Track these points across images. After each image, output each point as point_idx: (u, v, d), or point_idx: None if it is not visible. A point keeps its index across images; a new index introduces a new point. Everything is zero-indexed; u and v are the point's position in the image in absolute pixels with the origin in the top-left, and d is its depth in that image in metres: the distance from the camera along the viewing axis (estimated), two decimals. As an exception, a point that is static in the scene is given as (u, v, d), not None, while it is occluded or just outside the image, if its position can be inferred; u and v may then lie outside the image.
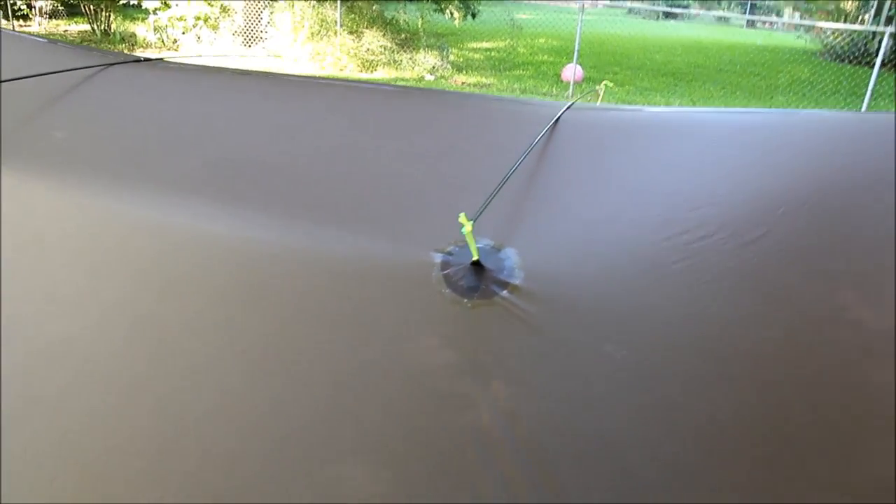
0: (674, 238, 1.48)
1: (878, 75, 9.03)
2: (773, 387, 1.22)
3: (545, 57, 15.74)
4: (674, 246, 1.46)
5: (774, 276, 1.41)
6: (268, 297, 1.50)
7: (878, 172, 1.55)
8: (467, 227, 1.27)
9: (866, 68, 9.42)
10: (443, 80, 12.99)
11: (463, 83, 12.84)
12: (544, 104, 2.21)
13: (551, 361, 1.31)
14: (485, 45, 17.00)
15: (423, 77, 12.81)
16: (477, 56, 15.93)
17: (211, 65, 3.17)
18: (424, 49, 13.60)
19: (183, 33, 14.38)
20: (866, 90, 9.26)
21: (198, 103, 2.39)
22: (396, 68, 13.16)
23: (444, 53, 14.10)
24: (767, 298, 1.38)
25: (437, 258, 1.45)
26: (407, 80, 12.33)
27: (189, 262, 1.59)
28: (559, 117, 1.84)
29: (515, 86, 12.98)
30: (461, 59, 15.23)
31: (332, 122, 2.07)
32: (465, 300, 1.39)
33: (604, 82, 2.87)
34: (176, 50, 14.36)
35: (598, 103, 2.29)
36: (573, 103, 2.00)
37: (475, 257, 1.38)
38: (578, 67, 12.42)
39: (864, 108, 9.25)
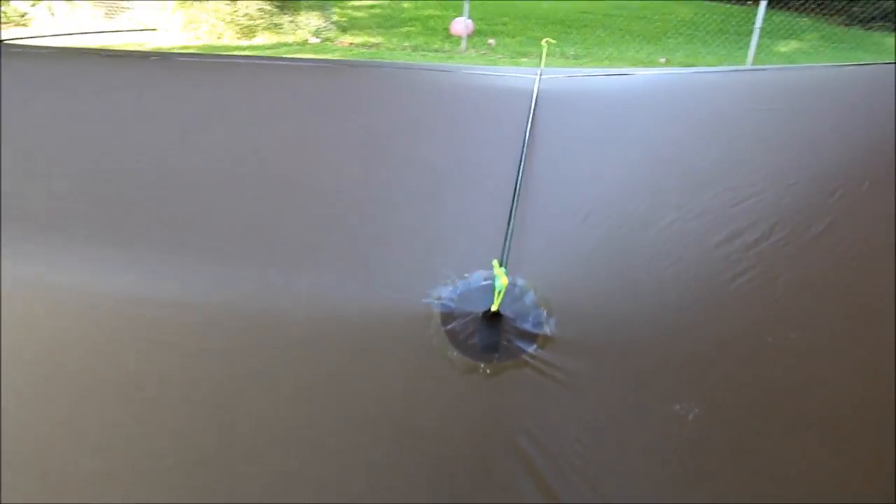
0: (725, 245, 1.15)
1: (766, 12, 9.15)
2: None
3: (432, 11, 15.23)
4: (728, 255, 1.13)
5: (861, 281, 1.11)
6: (176, 388, 1.06)
7: None
8: (503, 280, 0.88)
9: (752, 6, 9.52)
10: (329, 43, 12.27)
11: (351, 44, 12.17)
12: (497, 73, 1.82)
13: (614, 442, 0.96)
14: (367, 1, 16.27)
15: (306, 41, 12.05)
16: (361, 14, 15.23)
17: (70, 45, 2.53)
18: (306, 10, 12.78)
19: (32, 5, 12.74)
20: (753, 28, 9.38)
21: (55, 99, 1.83)
22: (277, 33, 12.31)
23: (328, 14, 13.32)
24: (862, 312, 1.08)
25: (434, 306, 1.05)
26: (290, 45, 11.53)
27: (57, 336, 1.11)
28: (536, 98, 1.46)
29: (406, 43, 12.45)
30: (345, 19, 14.50)
31: (246, 113, 1.60)
32: (482, 365, 1.01)
33: (545, 40, 2.50)
34: (26, 26, 12.76)
35: (564, 68, 1.93)
36: (541, 73, 1.62)
37: (495, 307, 1.00)
38: (469, 21, 12.02)
39: (752, 46, 9.39)
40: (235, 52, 9.99)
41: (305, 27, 12.41)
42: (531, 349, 1.02)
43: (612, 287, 1.10)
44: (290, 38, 12.08)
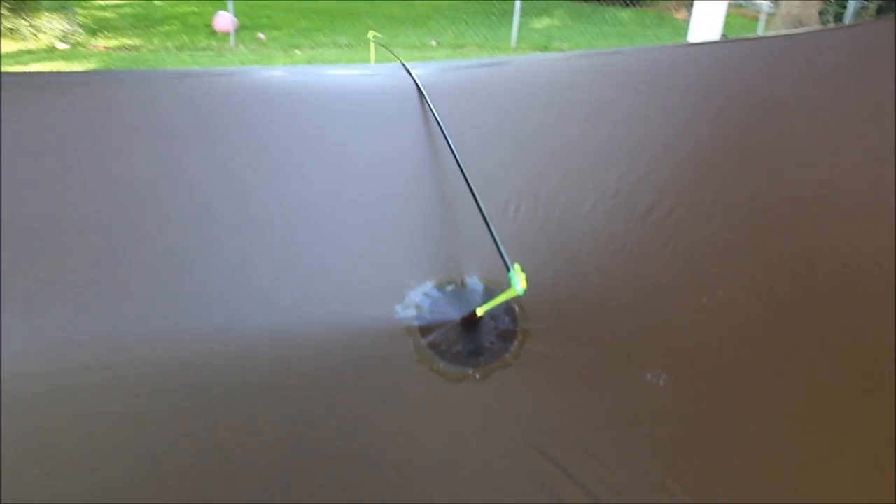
0: (645, 219, 1.24)
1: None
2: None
3: (188, 8, 14.31)
4: (650, 228, 1.23)
5: (759, 238, 1.27)
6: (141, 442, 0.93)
7: (788, 89, 1.49)
8: (522, 283, 0.86)
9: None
10: (81, 48, 11.06)
11: (106, 48, 11.08)
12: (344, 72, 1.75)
13: (607, 420, 1.01)
14: (115, 1, 14.86)
15: (54, 47, 10.75)
16: (109, 15, 13.87)
17: None
18: (46, 12, 11.37)
19: None
20: (513, 8, 10.09)
21: None
22: (17, 39, 10.85)
23: (70, 15, 11.97)
24: (767, 265, 1.23)
25: (409, 317, 1.02)
26: (36, 52, 10.23)
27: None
28: (426, 95, 1.46)
29: (169, 43, 11.60)
30: (91, 21, 13.13)
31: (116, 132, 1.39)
32: (471, 370, 1.00)
33: (371, 33, 2.46)
34: None
35: (428, 62, 1.91)
36: (408, 70, 1.61)
37: (480, 312, 0.99)
38: (232, 17, 11.47)
39: (515, 23, 10.07)
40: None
41: (49, 31, 11.07)
42: (512, 347, 1.03)
43: (564, 274, 1.14)
44: (33, 45, 10.72)
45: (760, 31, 9.62)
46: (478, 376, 1.00)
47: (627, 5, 12.11)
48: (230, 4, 11.39)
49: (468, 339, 1.02)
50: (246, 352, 0.99)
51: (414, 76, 1.54)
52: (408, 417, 0.95)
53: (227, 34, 11.58)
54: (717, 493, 0.97)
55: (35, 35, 10.87)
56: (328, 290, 1.07)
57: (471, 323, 1.02)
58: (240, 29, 12.12)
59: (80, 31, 11.93)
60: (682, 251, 1.20)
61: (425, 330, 1.02)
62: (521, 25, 10.72)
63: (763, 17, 9.82)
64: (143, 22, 13.37)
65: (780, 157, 1.38)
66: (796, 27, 7.51)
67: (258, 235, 1.14)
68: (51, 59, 10.29)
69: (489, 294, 1.06)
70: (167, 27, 13.24)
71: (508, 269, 0.88)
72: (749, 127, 1.43)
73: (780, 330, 1.13)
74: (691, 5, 7.92)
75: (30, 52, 10.22)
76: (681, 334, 1.12)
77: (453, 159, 1.24)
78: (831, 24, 8.09)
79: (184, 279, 1.06)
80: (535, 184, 1.28)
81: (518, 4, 10.16)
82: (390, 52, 2.13)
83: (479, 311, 0.99)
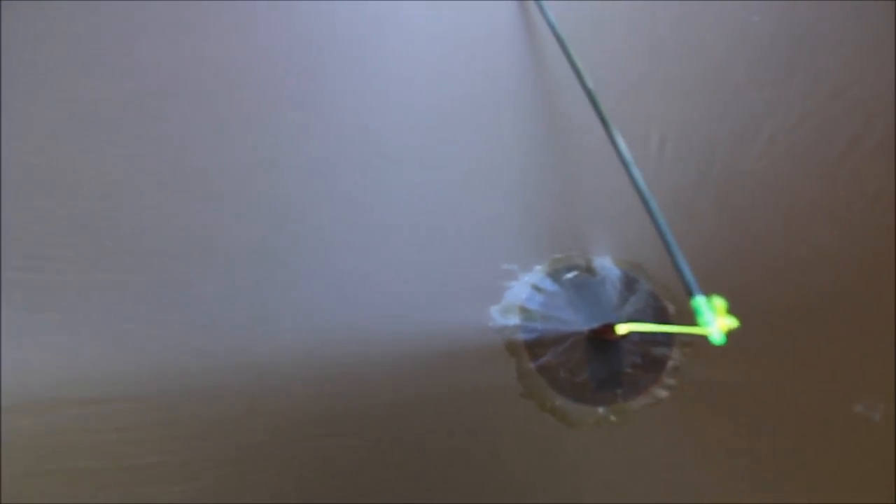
0: (850, 153, 0.84)
1: None
2: None
3: None
4: (859, 171, 0.83)
5: None
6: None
7: None
8: (721, 326, 0.49)
9: None
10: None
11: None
12: None
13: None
14: None
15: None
16: None
17: None
18: None
19: None
20: None
21: None
22: None
23: None
24: None
25: (511, 327, 0.68)
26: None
27: None
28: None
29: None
30: None
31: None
32: (603, 409, 0.66)
33: None
34: None
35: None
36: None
37: (623, 331, 0.63)
38: None
39: None
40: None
41: None
42: (666, 373, 0.68)
43: (740, 253, 0.76)
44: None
45: None
46: (613, 418, 0.66)
47: None
48: None
49: (600, 361, 0.68)
50: (324, 386, 0.67)
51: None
52: (510, 482, 0.63)
53: None
54: None
55: None
56: (406, 290, 0.72)
57: (605, 338, 0.67)
58: None
59: None
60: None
61: (534, 347, 0.67)
62: None
63: None
64: None
65: None
66: None
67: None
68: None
69: (630, 284, 0.70)
70: None
71: (691, 296, 0.51)
72: None
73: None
74: None
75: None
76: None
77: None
78: None
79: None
80: (684, 108, 0.88)
81: None
82: None
83: (622, 330, 0.63)
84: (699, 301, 0.51)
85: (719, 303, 0.50)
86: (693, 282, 0.52)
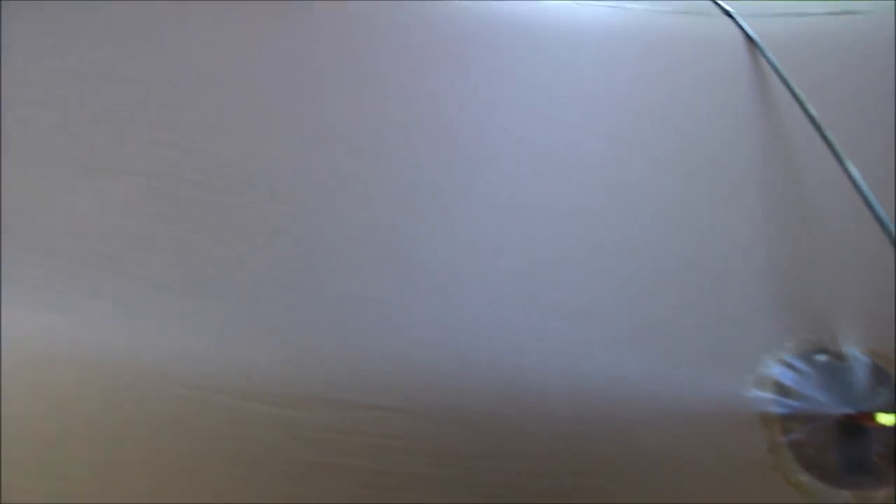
0: None
1: None
2: None
3: None
4: None
5: None
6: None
7: None
8: None
9: None
10: None
11: None
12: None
13: None
14: None
15: None
16: None
17: None
18: None
19: None
20: None
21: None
22: None
23: None
24: None
25: (766, 400, 0.70)
26: None
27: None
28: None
29: None
30: None
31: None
32: (847, 493, 0.68)
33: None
34: None
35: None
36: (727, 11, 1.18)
37: (885, 421, 0.65)
38: None
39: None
40: None
41: None
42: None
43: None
44: None
45: None
46: (856, 504, 0.68)
47: None
48: None
49: (847, 445, 0.69)
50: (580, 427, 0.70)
51: (737, 19, 1.13)
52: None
53: None
54: None
55: None
56: (671, 348, 0.75)
57: (861, 424, 0.69)
58: None
59: None
60: None
61: (789, 422, 0.69)
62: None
63: None
64: None
65: None
66: None
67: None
68: None
69: (880, 376, 0.72)
70: None
71: None
72: None
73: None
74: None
75: None
76: None
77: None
78: None
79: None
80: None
81: None
82: None
83: (883, 420, 0.65)
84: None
85: None
86: None
